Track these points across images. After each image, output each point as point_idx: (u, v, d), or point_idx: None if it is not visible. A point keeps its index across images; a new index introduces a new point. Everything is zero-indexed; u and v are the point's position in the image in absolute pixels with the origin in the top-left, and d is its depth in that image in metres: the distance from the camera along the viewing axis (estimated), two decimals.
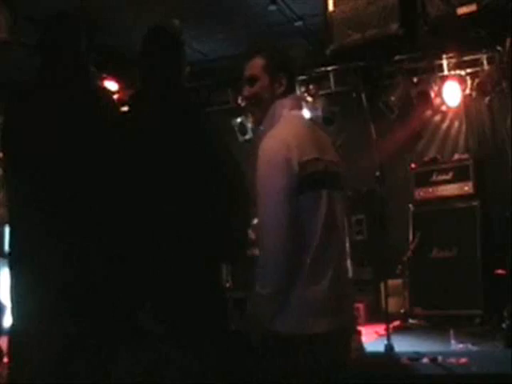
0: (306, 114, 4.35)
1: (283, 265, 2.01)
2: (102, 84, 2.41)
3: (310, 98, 6.61)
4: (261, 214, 2.04)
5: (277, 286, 2.02)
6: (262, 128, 2.24)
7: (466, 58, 6.11)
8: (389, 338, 4.26)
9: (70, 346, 2.05)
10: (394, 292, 5.53)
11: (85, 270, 2.12)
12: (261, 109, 2.23)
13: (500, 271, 5.07)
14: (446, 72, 6.23)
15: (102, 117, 2.26)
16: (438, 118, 6.66)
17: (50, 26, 2.41)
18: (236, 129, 6.85)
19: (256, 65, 2.23)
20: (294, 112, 2.24)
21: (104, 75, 6.27)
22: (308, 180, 2.09)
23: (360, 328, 4.71)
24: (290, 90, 2.25)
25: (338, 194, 2.21)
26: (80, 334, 2.06)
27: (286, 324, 2.03)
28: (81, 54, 2.38)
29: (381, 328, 4.88)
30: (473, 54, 6.05)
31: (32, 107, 2.29)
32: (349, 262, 4.25)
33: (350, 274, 4.41)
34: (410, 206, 6.19)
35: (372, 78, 6.11)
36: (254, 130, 6.51)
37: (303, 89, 6.63)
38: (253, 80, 2.23)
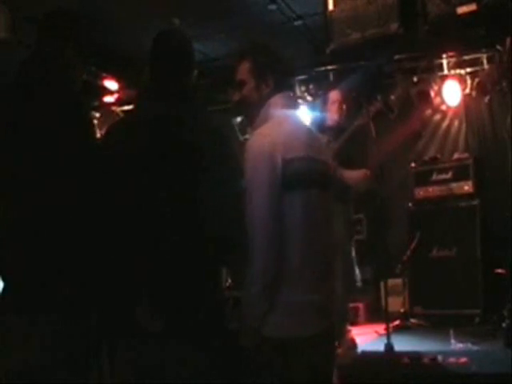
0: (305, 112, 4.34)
1: (270, 260, 2.01)
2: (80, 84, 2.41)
3: (310, 98, 6.62)
4: (248, 210, 2.05)
5: (264, 283, 2.01)
6: (253, 128, 2.27)
7: (465, 58, 6.10)
8: (389, 338, 4.26)
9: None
10: (394, 291, 5.55)
11: (70, 265, 2.12)
12: (250, 110, 2.29)
13: (500, 270, 5.08)
14: (445, 71, 6.22)
15: (80, 116, 2.26)
16: (437, 117, 6.66)
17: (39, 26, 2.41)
18: (236, 128, 6.88)
19: (242, 69, 2.29)
20: (286, 110, 2.24)
21: (104, 75, 6.29)
22: (294, 177, 2.08)
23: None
24: (278, 89, 2.25)
25: (325, 194, 2.21)
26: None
27: (276, 328, 2.02)
28: (61, 53, 2.36)
29: (381, 327, 4.89)
30: (473, 54, 6.04)
31: (7, 107, 2.28)
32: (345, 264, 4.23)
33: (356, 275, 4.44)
34: (410, 205, 6.20)
35: (372, 77, 6.11)
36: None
37: (303, 88, 6.63)
38: (241, 84, 2.29)
